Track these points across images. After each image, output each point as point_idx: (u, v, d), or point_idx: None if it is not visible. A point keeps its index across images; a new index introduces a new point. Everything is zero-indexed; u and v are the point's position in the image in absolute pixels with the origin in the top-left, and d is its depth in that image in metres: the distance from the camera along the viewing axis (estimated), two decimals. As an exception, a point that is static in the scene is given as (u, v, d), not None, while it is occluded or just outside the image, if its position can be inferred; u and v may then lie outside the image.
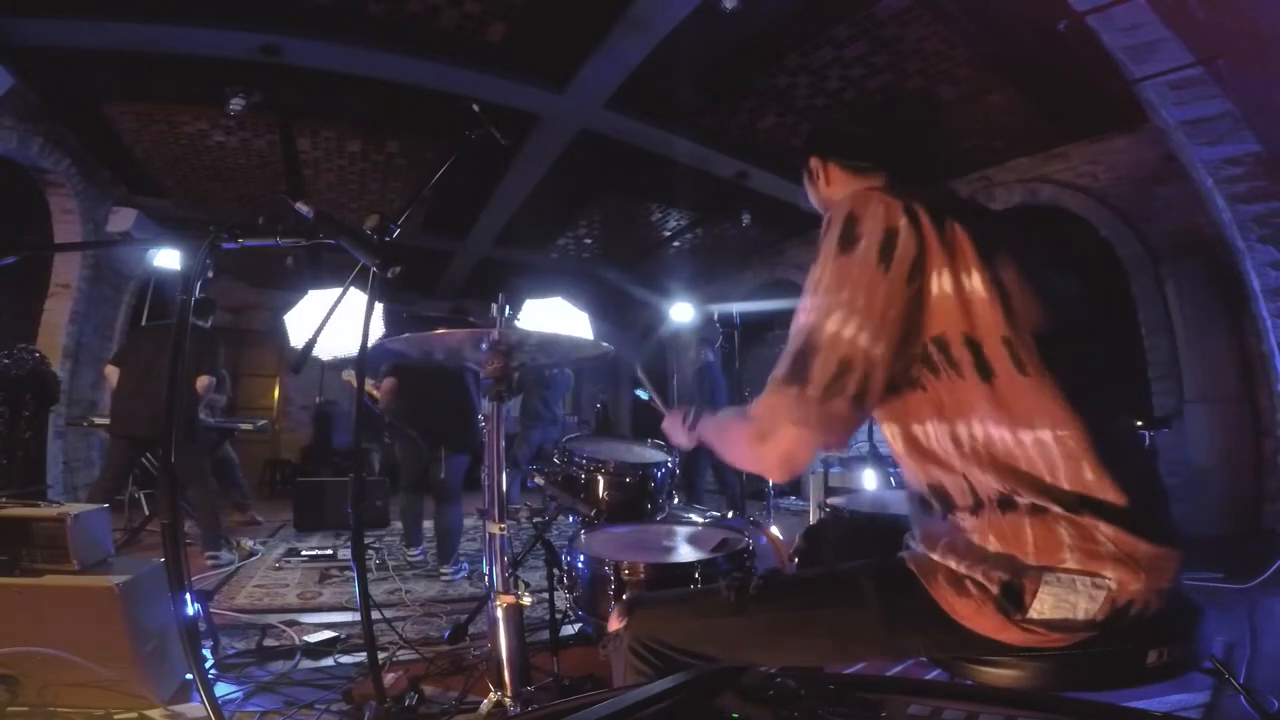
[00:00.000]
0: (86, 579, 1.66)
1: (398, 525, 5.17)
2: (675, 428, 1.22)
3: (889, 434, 0.91)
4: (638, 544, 1.72)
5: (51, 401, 4.37)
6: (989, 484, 0.79)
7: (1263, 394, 3.92)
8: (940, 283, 0.80)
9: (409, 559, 3.64)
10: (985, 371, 0.79)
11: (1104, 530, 0.74)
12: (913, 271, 0.80)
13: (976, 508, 0.80)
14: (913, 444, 0.87)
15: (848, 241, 0.82)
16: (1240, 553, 3.18)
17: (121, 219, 5.63)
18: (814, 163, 1.07)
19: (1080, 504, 0.75)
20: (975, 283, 0.79)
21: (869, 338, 0.79)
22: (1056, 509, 0.75)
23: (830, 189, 1.06)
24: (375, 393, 3.43)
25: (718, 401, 4.62)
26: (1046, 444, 0.76)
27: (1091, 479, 0.75)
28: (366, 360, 1.51)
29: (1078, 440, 0.76)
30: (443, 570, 3.36)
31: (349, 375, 3.28)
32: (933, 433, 0.84)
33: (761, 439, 0.85)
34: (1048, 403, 0.77)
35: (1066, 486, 0.75)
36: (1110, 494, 0.75)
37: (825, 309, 0.82)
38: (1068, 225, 4.91)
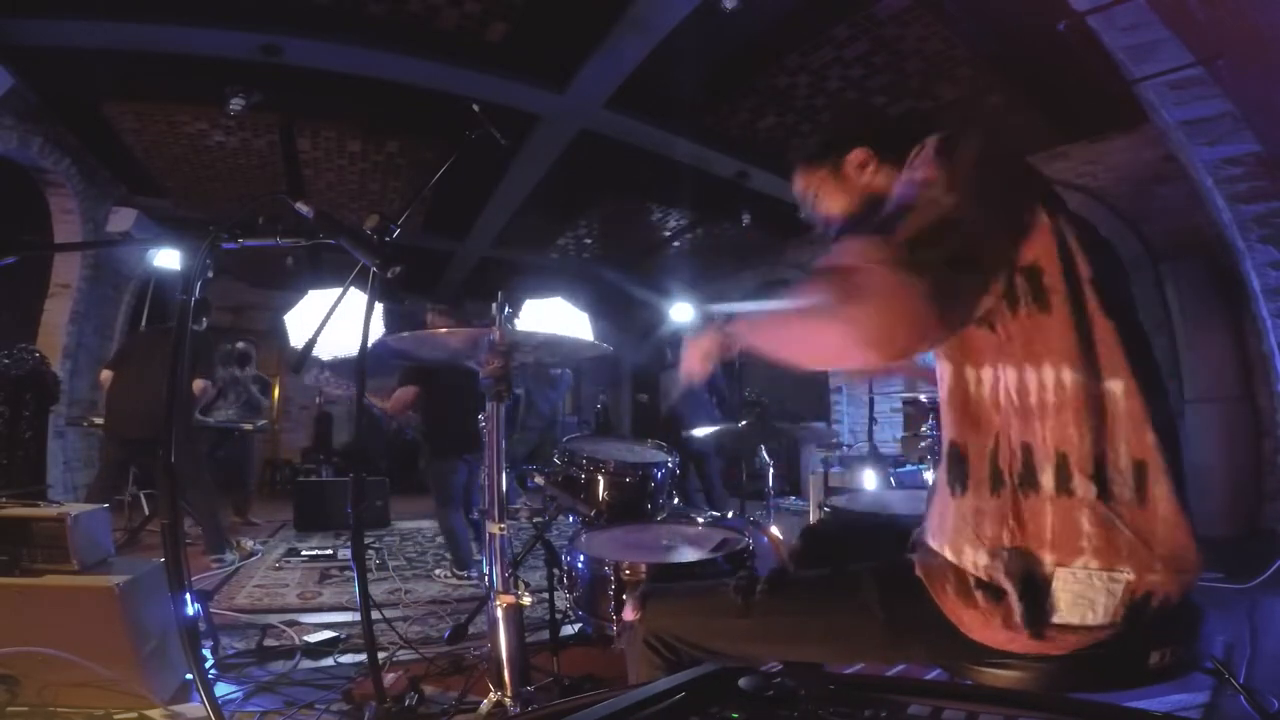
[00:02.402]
0: (86, 579, 1.66)
1: (398, 525, 5.19)
2: (700, 350, 1.08)
3: (941, 372, 0.85)
4: (638, 544, 1.72)
5: (51, 401, 4.37)
6: (1021, 449, 0.75)
7: (1263, 394, 3.92)
8: (1039, 211, 0.76)
9: (457, 579, 3.31)
10: (1080, 311, 0.74)
11: (1130, 516, 0.72)
12: (1017, 185, 0.77)
13: (995, 484, 0.77)
14: (960, 390, 0.82)
15: (948, 154, 0.75)
16: (1240, 553, 3.18)
17: (121, 219, 5.63)
18: (862, 155, 1.02)
19: (1130, 473, 0.72)
20: (1063, 224, 0.77)
21: (977, 209, 0.69)
22: (1083, 491, 0.72)
23: (876, 178, 1.01)
24: (383, 405, 3.32)
25: (701, 399, 4.66)
26: (1118, 398, 0.74)
27: (1151, 442, 0.73)
28: (366, 361, 1.50)
29: (1142, 399, 0.74)
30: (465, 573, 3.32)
31: (324, 381, 3.14)
32: (986, 380, 0.79)
33: (848, 296, 0.66)
34: (1123, 355, 0.74)
35: (1125, 448, 0.73)
36: (1157, 470, 0.73)
37: (924, 182, 0.72)
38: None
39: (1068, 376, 0.74)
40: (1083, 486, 0.73)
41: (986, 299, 0.74)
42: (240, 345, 5.49)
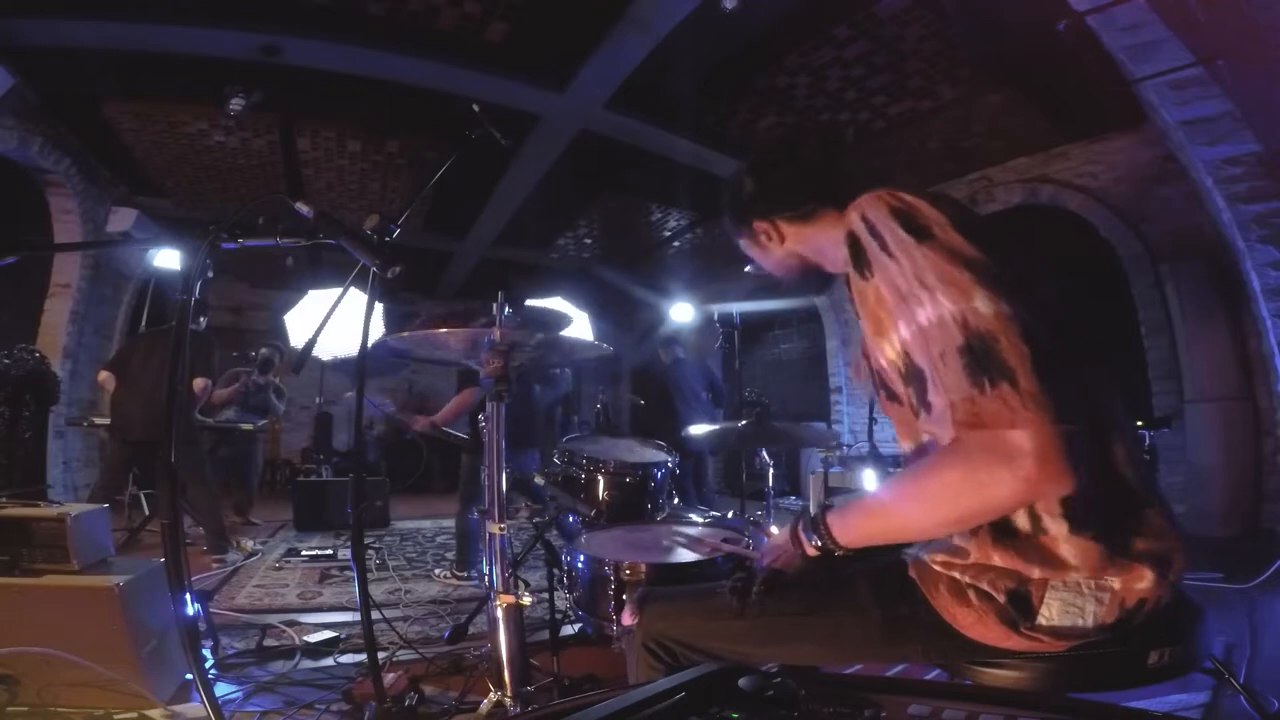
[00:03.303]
0: (87, 579, 1.66)
1: (398, 525, 5.18)
2: (783, 547, 0.95)
3: (904, 448, 0.89)
4: (638, 544, 1.72)
5: (51, 401, 4.38)
6: None
7: (1263, 394, 3.91)
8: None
9: (455, 579, 3.31)
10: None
11: (1107, 538, 0.73)
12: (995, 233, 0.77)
13: (974, 530, 0.78)
14: (919, 442, 0.85)
15: (920, 231, 0.75)
16: (1240, 553, 3.18)
17: (121, 219, 5.63)
18: (760, 226, 1.04)
19: (1093, 502, 0.73)
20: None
21: (1021, 305, 0.69)
22: (1055, 529, 0.73)
23: (786, 244, 1.03)
24: (417, 425, 3.34)
25: (682, 398, 4.68)
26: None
27: (1114, 464, 0.74)
28: (366, 361, 1.51)
29: (1088, 434, 0.73)
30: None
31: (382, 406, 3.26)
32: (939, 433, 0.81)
33: (1000, 461, 0.66)
34: (1050, 404, 0.73)
35: (1085, 480, 0.72)
36: (1121, 488, 0.74)
37: (958, 295, 0.70)
38: (1068, 225, 4.91)
39: None
40: (1055, 525, 0.74)
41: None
42: (264, 351, 5.47)
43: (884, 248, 0.77)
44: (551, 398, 5.84)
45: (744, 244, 1.10)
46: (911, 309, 0.74)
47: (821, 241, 0.99)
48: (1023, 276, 0.74)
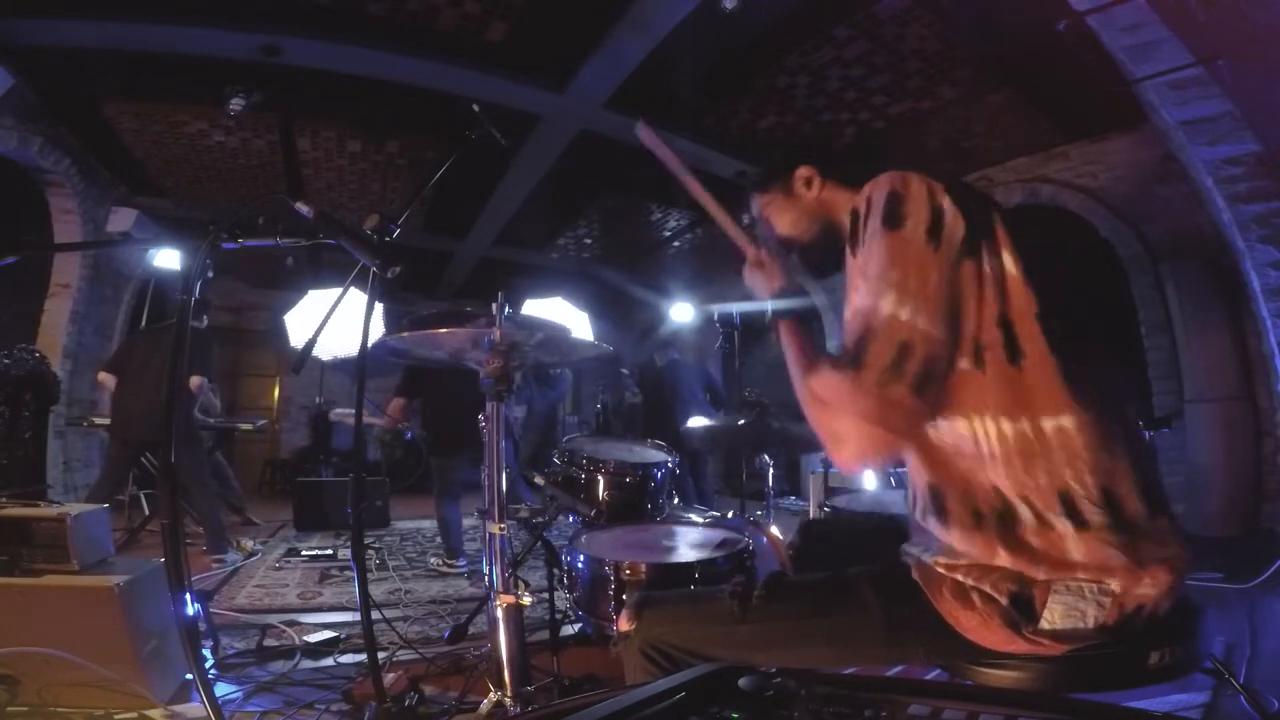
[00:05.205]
0: (86, 579, 1.66)
1: (398, 525, 5.18)
2: (766, 275, 1.08)
3: None
4: (638, 544, 1.72)
5: (51, 401, 4.37)
6: (993, 491, 0.78)
7: (1263, 394, 3.91)
8: (984, 264, 0.79)
9: (448, 566, 3.52)
10: (1014, 353, 0.77)
11: (1112, 538, 0.73)
12: (960, 252, 0.78)
13: (977, 521, 0.79)
14: (923, 439, 0.84)
15: (894, 219, 0.80)
16: (1240, 553, 3.18)
17: (121, 219, 5.62)
18: (804, 172, 1.07)
19: (1100, 500, 0.73)
20: (1008, 262, 0.79)
21: (926, 319, 0.75)
22: (1061, 526, 0.74)
23: (818, 195, 1.06)
24: (389, 423, 3.57)
25: (680, 398, 4.75)
26: (1069, 433, 0.75)
27: (1112, 469, 0.75)
28: (366, 361, 1.50)
29: (1099, 428, 0.75)
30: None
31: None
32: (943, 428, 0.82)
33: (833, 439, 0.81)
34: (1069, 388, 0.75)
35: (1089, 479, 0.74)
36: (1128, 488, 0.74)
37: (878, 290, 0.78)
38: (1068, 225, 4.91)
39: (1007, 427, 0.77)
40: (1059, 522, 0.74)
41: (944, 388, 0.79)
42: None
43: (866, 219, 0.83)
44: (553, 397, 5.84)
45: (767, 199, 1.13)
46: (850, 293, 0.82)
47: (844, 211, 1.02)
48: (956, 292, 0.78)
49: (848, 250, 0.86)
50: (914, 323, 0.75)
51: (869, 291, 0.79)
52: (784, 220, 1.12)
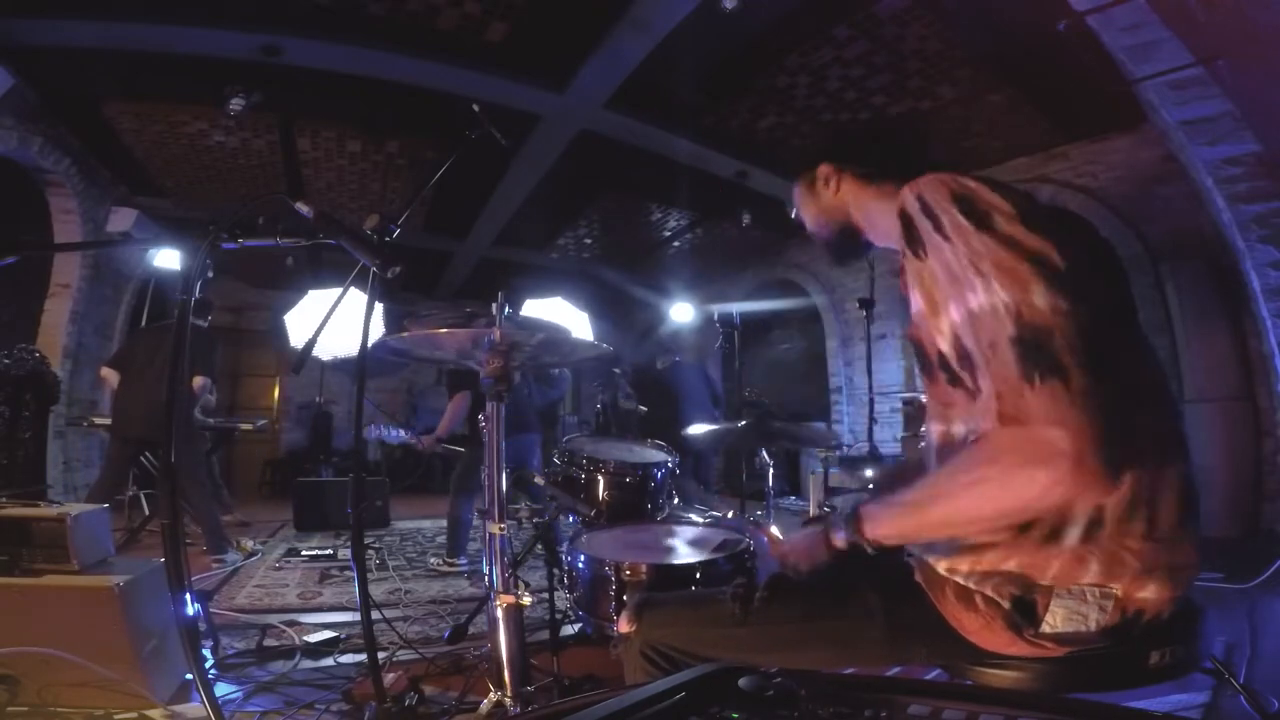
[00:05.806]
0: (86, 579, 1.66)
1: (398, 525, 5.18)
2: (805, 548, 0.90)
3: (930, 428, 0.88)
4: (638, 544, 1.72)
5: (51, 401, 4.37)
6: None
7: (1263, 394, 3.91)
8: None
9: (447, 565, 3.53)
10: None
11: (1131, 545, 0.71)
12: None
13: (1023, 528, 0.76)
14: (948, 445, 0.83)
15: (979, 217, 0.75)
16: (1240, 553, 3.18)
17: (121, 219, 5.62)
18: (826, 170, 1.07)
19: (1125, 505, 0.71)
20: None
21: (1080, 302, 0.68)
22: (1071, 539, 0.72)
23: (840, 195, 1.06)
24: (424, 446, 3.57)
25: (684, 400, 4.70)
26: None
27: (1158, 476, 0.73)
28: (366, 361, 1.50)
29: (1159, 429, 0.74)
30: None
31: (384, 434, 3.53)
32: (958, 434, 0.81)
33: (1035, 460, 0.65)
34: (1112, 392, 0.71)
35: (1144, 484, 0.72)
36: (1171, 495, 0.73)
37: (1013, 285, 0.70)
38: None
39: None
40: (1070, 535, 0.73)
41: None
42: None
43: (938, 228, 0.77)
44: (554, 396, 5.84)
45: (798, 191, 1.14)
46: (963, 292, 0.73)
47: (873, 208, 1.02)
48: (1084, 273, 0.72)
49: (906, 253, 0.82)
50: (1077, 310, 0.68)
51: (1002, 287, 0.70)
52: (809, 215, 1.13)
